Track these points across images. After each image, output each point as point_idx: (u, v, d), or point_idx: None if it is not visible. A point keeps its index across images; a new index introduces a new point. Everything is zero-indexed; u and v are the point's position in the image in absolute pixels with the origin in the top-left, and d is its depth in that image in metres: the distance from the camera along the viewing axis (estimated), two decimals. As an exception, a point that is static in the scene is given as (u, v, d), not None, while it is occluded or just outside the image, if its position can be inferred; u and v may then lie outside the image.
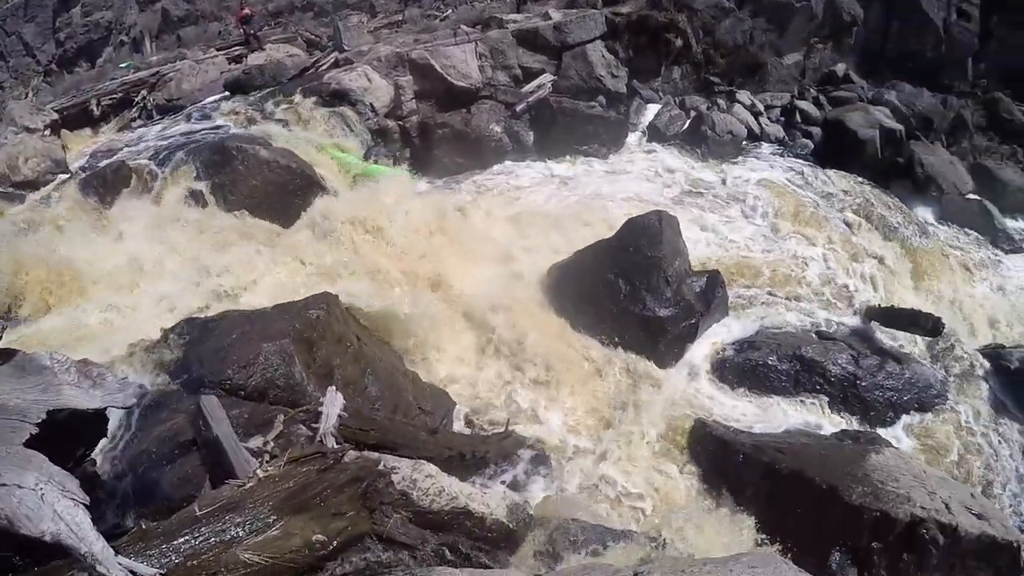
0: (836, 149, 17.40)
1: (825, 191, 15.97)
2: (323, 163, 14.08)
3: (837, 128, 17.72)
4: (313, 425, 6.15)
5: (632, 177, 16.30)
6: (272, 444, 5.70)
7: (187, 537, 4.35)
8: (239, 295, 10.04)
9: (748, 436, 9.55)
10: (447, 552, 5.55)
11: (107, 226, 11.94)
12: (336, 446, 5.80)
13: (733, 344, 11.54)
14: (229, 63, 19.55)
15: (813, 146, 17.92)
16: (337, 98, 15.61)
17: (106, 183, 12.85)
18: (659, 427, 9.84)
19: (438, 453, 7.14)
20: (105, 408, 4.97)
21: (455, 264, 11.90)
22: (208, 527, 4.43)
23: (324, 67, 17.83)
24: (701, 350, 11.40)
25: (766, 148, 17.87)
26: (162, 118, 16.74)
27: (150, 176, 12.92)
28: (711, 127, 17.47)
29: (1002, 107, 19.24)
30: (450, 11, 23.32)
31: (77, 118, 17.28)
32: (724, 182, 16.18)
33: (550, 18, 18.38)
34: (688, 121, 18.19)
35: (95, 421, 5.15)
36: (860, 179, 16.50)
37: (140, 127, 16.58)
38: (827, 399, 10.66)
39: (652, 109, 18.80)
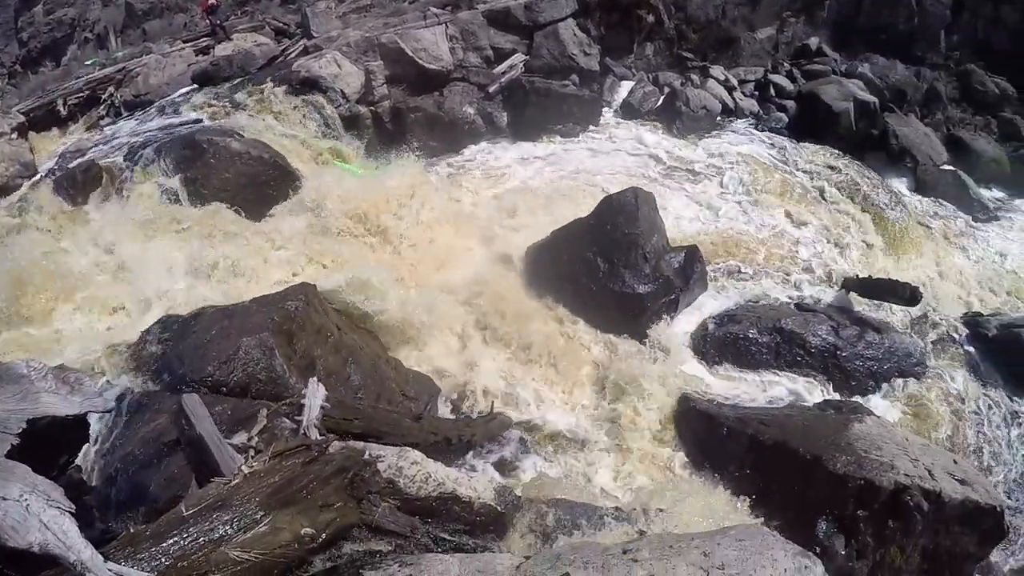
0: (811, 122, 17.50)
1: (801, 164, 16.07)
2: (295, 152, 13.94)
3: (811, 101, 17.81)
4: (296, 418, 6.13)
5: (608, 155, 16.29)
6: (256, 439, 5.65)
7: (176, 538, 4.32)
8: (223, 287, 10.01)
9: (731, 409, 9.65)
10: (437, 538, 5.57)
11: (79, 227, 11.76)
12: (320, 437, 5.78)
13: (713, 318, 11.62)
14: (196, 55, 19.22)
15: (788, 120, 17.98)
16: (307, 86, 15.41)
17: (76, 184, 12.64)
18: (642, 403, 9.89)
19: (424, 439, 7.13)
20: (85, 413, 4.93)
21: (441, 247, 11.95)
22: (196, 527, 4.41)
23: (293, 55, 17.59)
24: (682, 325, 11.48)
25: (741, 123, 17.94)
26: (130, 115, 16.46)
27: (121, 174, 12.74)
28: (685, 103, 17.50)
29: (975, 79, 19.39)
30: (419, -8, 23.10)
31: (44, 119, 16.94)
32: (700, 157, 16.23)
33: (521, -3, 18.23)
34: (662, 97, 18.22)
35: (76, 427, 5.10)
36: (835, 151, 16.60)
37: (109, 125, 16.28)
38: (808, 370, 10.78)
39: (626, 86, 18.80)
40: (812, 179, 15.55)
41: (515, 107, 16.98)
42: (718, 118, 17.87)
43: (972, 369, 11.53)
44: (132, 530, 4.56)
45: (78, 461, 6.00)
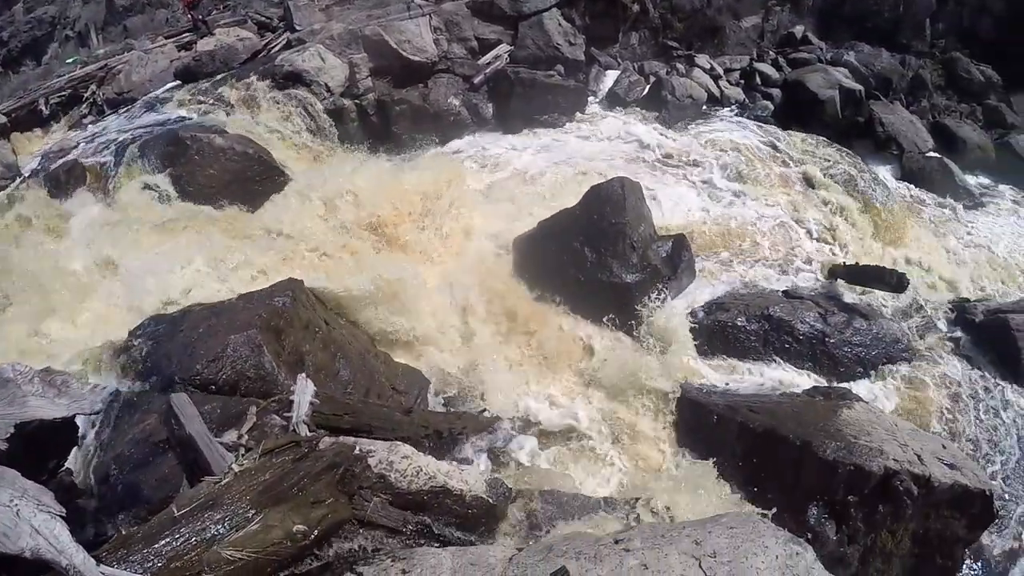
0: (796, 110, 17.54)
1: (787, 152, 16.07)
2: (280, 147, 13.87)
3: (797, 89, 17.85)
4: (286, 414, 6.13)
5: (595, 145, 16.27)
6: (246, 437, 5.67)
7: (168, 539, 4.33)
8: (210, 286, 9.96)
9: (721, 397, 9.68)
10: (429, 531, 5.58)
11: (64, 228, 11.68)
12: (310, 434, 5.78)
13: (702, 306, 11.63)
14: (179, 51, 19.00)
15: (773, 108, 18.01)
16: (291, 80, 15.35)
17: (60, 184, 12.57)
18: (631, 393, 9.91)
19: (414, 433, 7.13)
20: (73, 416, 4.90)
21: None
22: (188, 527, 4.41)
23: (276, 49, 17.48)
24: (670, 313, 11.45)
25: (726, 111, 17.95)
26: (113, 112, 16.32)
27: (104, 173, 12.65)
28: (671, 92, 17.50)
29: (960, 66, 19.49)
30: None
31: (26, 119, 16.74)
32: (688, 145, 16.18)
33: (505, -13, 18.14)
34: (648, 86, 18.19)
35: (65, 430, 5.07)
36: (821, 139, 16.63)
37: (91, 123, 16.13)
38: (797, 357, 10.82)
39: (611, 76, 18.73)
40: (799, 167, 15.56)
41: (500, 98, 16.92)
42: (704, 107, 17.89)
43: (959, 354, 11.59)
44: (124, 532, 4.56)
45: (68, 464, 5.97)
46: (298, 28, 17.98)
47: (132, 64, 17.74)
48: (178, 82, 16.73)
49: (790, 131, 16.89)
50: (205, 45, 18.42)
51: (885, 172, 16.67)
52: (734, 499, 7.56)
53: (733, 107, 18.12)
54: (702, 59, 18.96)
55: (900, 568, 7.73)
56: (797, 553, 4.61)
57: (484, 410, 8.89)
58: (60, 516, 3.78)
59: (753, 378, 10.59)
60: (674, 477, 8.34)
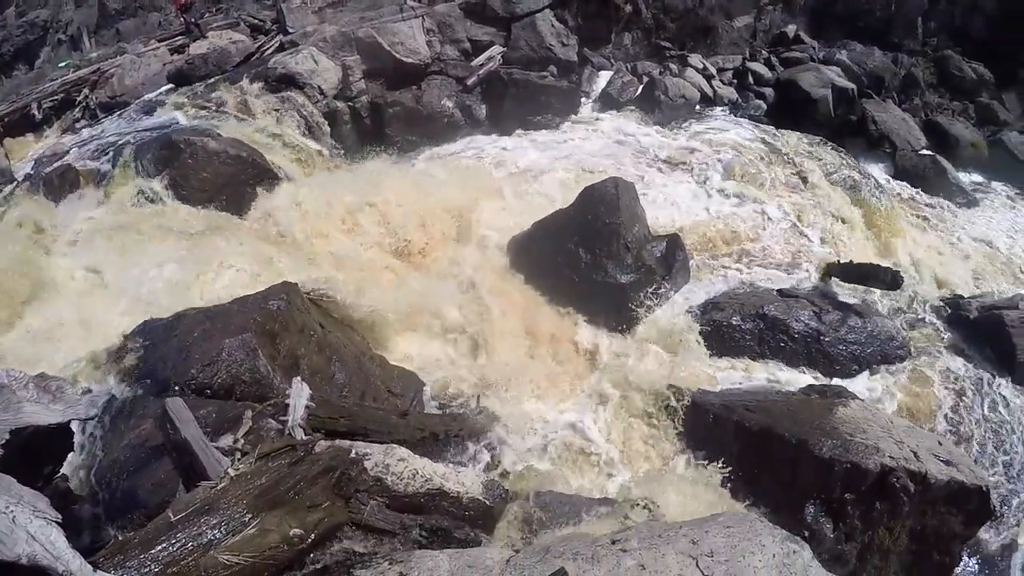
0: (789, 109, 17.62)
1: (781, 151, 16.10)
2: (274, 149, 13.86)
3: (790, 88, 17.93)
4: (282, 418, 6.12)
5: (587, 145, 16.26)
6: (242, 441, 5.65)
7: (164, 545, 4.31)
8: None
9: (716, 396, 9.66)
10: (426, 534, 5.58)
11: (57, 233, 11.63)
12: (306, 437, 5.77)
13: (697, 306, 11.64)
14: (171, 54, 19.01)
15: (766, 107, 18.10)
16: (284, 83, 15.34)
17: (53, 188, 12.53)
18: (629, 393, 9.91)
19: (410, 435, 7.13)
20: (68, 421, 4.88)
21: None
22: (184, 532, 4.40)
23: (269, 51, 17.51)
24: (665, 313, 11.48)
25: (719, 111, 18.04)
26: (106, 116, 16.29)
27: (97, 177, 12.62)
28: (664, 92, 17.55)
29: (952, 64, 19.60)
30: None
31: (19, 124, 16.75)
32: (682, 145, 16.22)
33: (497, -12, 18.17)
34: (641, 87, 18.26)
35: (60, 436, 5.05)
36: (815, 138, 16.69)
37: (84, 127, 16.13)
38: (792, 355, 10.83)
39: (604, 76, 18.79)
40: (792, 166, 15.59)
41: (494, 99, 16.96)
42: (697, 107, 17.95)
43: (954, 351, 11.62)
44: (120, 538, 4.54)
45: (64, 470, 5.94)
46: (291, 31, 18.00)
47: (125, 68, 17.74)
48: (171, 85, 16.73)
49: (783, 130, 16.92)
50: (198, 48, 18.42)
51: (878, 170, 16.74)
52: (731, 498, 7.57)
53: (726, 107, 18.20)
54: (695, 59, 19.03)
55: (898, 565, 7.74)
56: (794, 551, 4.62)
57: (480, 411, 8.88)
58: (56, 522, 3.76)
59: (748, 377, 10.59)
60: (671, 476, 8.35)
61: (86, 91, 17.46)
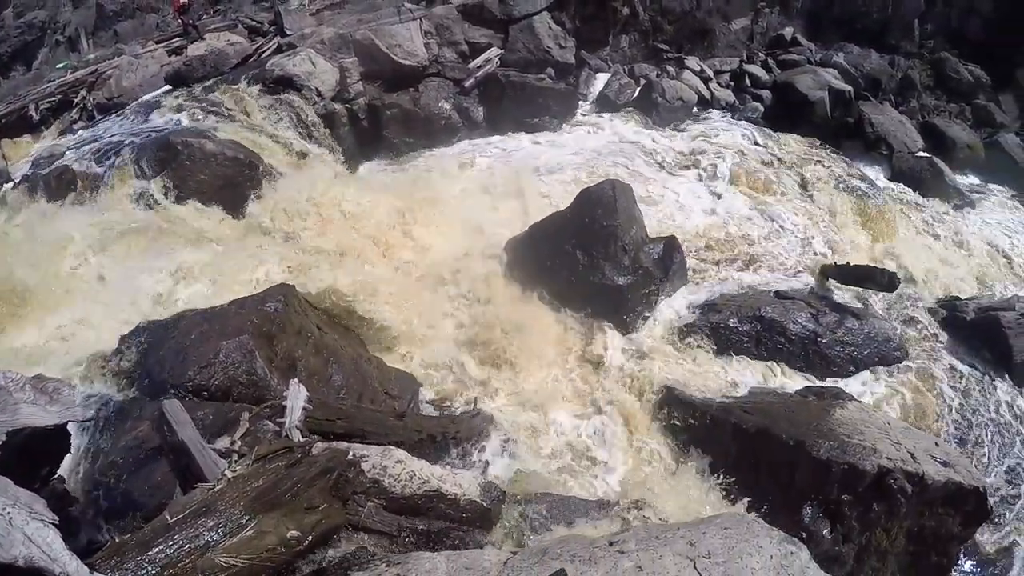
0: (786, 111, 17.64)
1: (779, 153, 16.15)
2: (271, 150, 13.86)
3: (787, 91, 17.95)
4: (279, 420, 6.11)
5: (584, 146, 16.27)
6: (239, 443, 5.63)
7: (161, 546, 4.30)
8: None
9: (714, 398, 9.68)
10: (423, 536, 5.57)
11: (55, 234, 11.60)
12: (303, 439, 5.76)
13: (695, 308, 11.66)
14: (169, 56, 18.97)
15: (763, 109, 18.10)
16: (282, 84, 15.31)
17: (51, 190, 12.51)
18: (626, 395, 9.93)
19: (407, 437, 7.13)
20: (65, 423, 4.87)
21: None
22: (181, 534, 4.38)
23: (267, 53, 17.48)
24: (662, 315, 11.50)
25: (716, 113, 18.05)
26: (104, 118, 16.26)
27: (95, 179, 12.59)
28: (661, 94, 17.56)
29: (949, 66, 19.63)
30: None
31: (16, 125, 16.71)
32: (680, 147, 16.25)
33: (494, -9, 18.18)
34: (638, 89, 18.29)
35: (57, 437, 5.04)
36: (812, 140, 16.75)
37: (82, 129, 16.08)
38: (789, 357, 10.85)
39: (602, 78, 18.83)
40: (790, 168, 15.64)
41: (491, 102, 16.97)
42: (694, 109, 17.97)
43: (951, 353, 11.65)
44: (117, 540, 4.52)
45: (60, 472, 5.94)
46: (288, 32, 17.98)
47: (122, 69, 17.71)
48: (169, 87, 16.67)
49: (780, 132, 16.98)
50: (196, 50, 18.39)
51: (875, 172, 16.76)
52: (729, 499, 7.58)
53: (724, 109, 18.21)
54: (692, 61, 19.05)
55: (895, 566, 7.77)
56: (792, 553, 4.62)
57: (477, 412, 8.87)
58: (53, 524, 3.76)
59: (746, 378, 10.60)
60: (669, 478, 8.35)
61: (84, 92, 17.42)
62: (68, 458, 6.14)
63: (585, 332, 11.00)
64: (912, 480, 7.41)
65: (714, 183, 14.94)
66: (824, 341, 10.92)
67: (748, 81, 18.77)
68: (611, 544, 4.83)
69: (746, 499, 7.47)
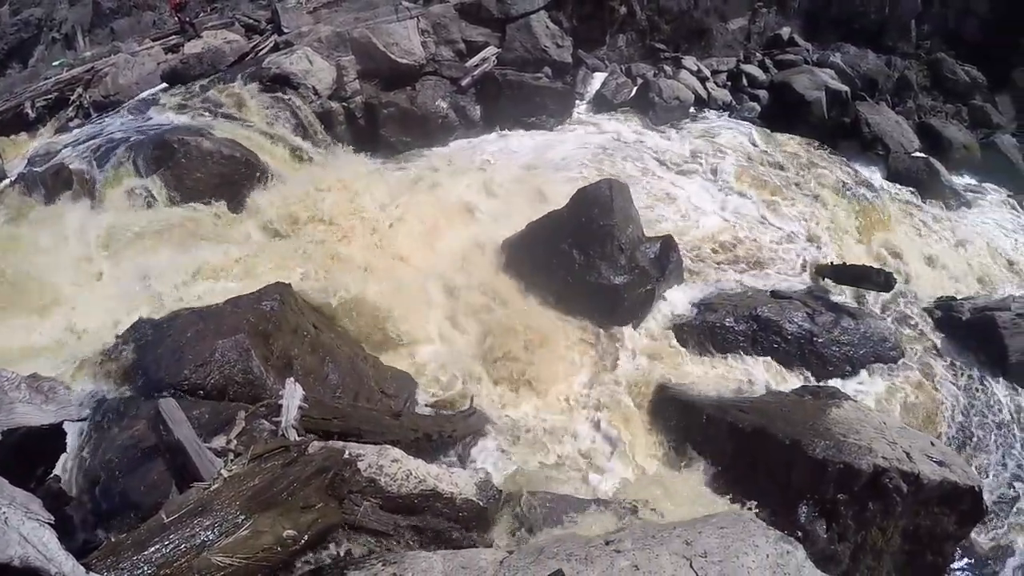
0: (783, 111, 17.68)
1: (775, 153, 16.18)
2: (268, 149, 13.84)
3: (783, 91, 17.98)
4: (275, 419, 6.10)
5: (581, 145, 16.28)
6: (235, 442, 5.64)
7: (157, 546, 4.29)
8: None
9: (710, 397, 9.70)
10: (420, 535, 5.57)
11: (50, 232, 11.57)
12: (299, 438, 5.75)
13: (690, 307, 11.67)
14: (166, 53, 18.91)
15: (760, 109, 18.14)
16: (279, 83, 15.28)
17: (47, 188, 12.46)
18: (622, 394, 9.94)
19: (404, 436, 7.14)
20: (61, 422, 4.85)
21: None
22: (177, 533, 4.37)
23: (264, 51, 17.42)
24: (659, 314, 11.52)
25: (713, 113, 18.08)
26: (100, 115, 16.21)
27: (91, 177, 12.54)
28: (658, 94, 17.56)
29: (945, 67, 19.71)
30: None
31: (12, 123, 16.63)
32: (676, 148, 16.27)
33: (492, -11, 18.15)
34: (635, 88, 18.27)
35: (52, 437, 5.02)
36: (809, 140, 16.79)
37: (78, 127, 16.02)
38: (785, 356, 10.87)
39: (599, 78, 18.81)
40: (786, 168, 15.66)
41: (488, 100, 16.99)
42: (691, 108, 17.98)
43: (947, 352, 11.69)
44: (113, 539, 4.51)
45: (56, 471, 5.91)
46: (286, 30, 17.94)
47: (119, 67, 17.63)
48: (165, 85, 16.63)
49: (777, 132, 17.02)
50: (192, 48, 18.33)
51: (872, 172, 16.81)
52: (724, 498, 7.57)
53: (720, 109, 18.24)
54: (689, 61, 19.07)
55: (891, 565, 7.78)
56: (788, 552, 4.63)
57: (473, 411, 8.88)
58: (49, 524, 3.73)
59: (742, 377, 10.61)
60: (665, 477, 8.35)
61: (80, 90, 17.34)
62: (64, 457, 6.11)
63: (582, 331, 11.01)
64: (908, 479, 7.42)
65: (716, 182, 14.96)
66: (820, 341, 10.95)
67: (745, 81, 18.80)
68: (607, 543, 4.84)
69: (742, 498, 7.47)
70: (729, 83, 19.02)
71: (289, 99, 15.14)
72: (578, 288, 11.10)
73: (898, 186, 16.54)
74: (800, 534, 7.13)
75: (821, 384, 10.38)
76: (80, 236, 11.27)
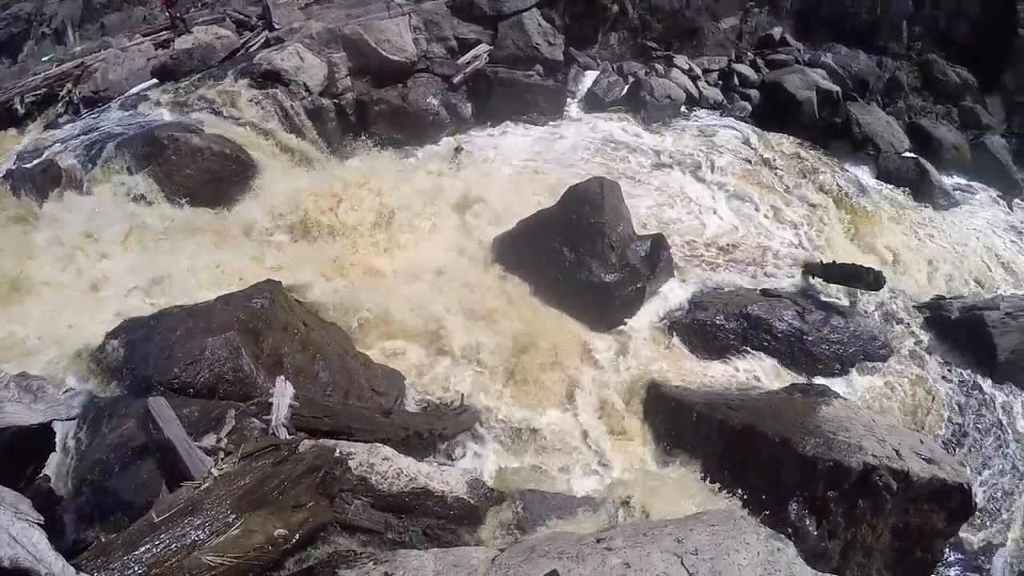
0: (774, 111, 17.71)
1: (766, 153, 16.21)
2: (258, 145, 13.79)
3: (775, 90, 18.01)
4: (265, 417, 6.09)
5: (574, 144, 16.28)
6: (226, 441, 5.61)
7: (147, 546, 4.28)
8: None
9: (700, 395, 9.72)
10: (411, 533, 5.57)
11: (38, 229, 11.49)
12: (290, 437, 5.74)
13: (681, 305, 11.69)
14: (156, 49, 18.77)
15: (751, 109, 18.17)
16: (269, 79, 15.21)
17: (35, 184, 12.36)
18: (612, 392, 9.94)
19: (394, 434, 7.12)
20: (50, 422, 4.83)
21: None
22: (167, 533, 4.37)
23: (255, 47, 17.33)
24: (649, 313, 11.53)
25: (705, 112, 18.09)
26: (89, 111, 16.10)
27: (80, 173, 12.46)
28: (649, 92, 17.56)
29: (936, 68, 19.77)
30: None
31: (1, 119, 16.51)
32: (668, 147, 16.29)
33: (484, -13, 18.12)
34: (626, 87, 18.27)
35: (42, 436, 5.00)
36: (799, 140, 16.84)
37: (67, 123, 15.91)
38: (775, 354, 10.90)
39: (590, 76, 18.79)
40: (777, 167, 15.70)
41: (479, 98, 16.97)
42: (682, 107, 17.99)
43: (935, 350, 11.75)
44: (103, 539, 4.49)
45: (46, 471, 5.88)
46: (277, 26, 17.86)
47: (109, 62, 17.51)
48: (155, 81, 16.54)
49: (768, 132, 17.04)
50: (183, 43, 18.20)
51: (862, 172, 16.88)
52: (715, 496, 7.59)
53: (711, 108, 18.24)
54: (681, 60, 19.08)
55: (881, 562, 7.83)
56: (778, 549, 4.65)
57: (464, 409, 8.87)
58: (38, 524, 3.73)
59: (732, 375, 10.64)
60: (656, 475, 8.37)
61: (69, 86, 17.20)
62: (53, 456, 6.08)
63: (572, 329, 11.00)
64: (897, 477, 7.46)
65: (709, 181, 14.98)
66: (810, 339, 10.99)
67: (736, 80, 18.82)
68: (599, 541, 4.85)
69: (733, 496, 7.50)
70: (720, 82, 19.04)
71: (280, 96, 15.08)
72: (568, 286, 11.11)
73: (888, 186, 16.63)
74: (790, 531, 7.14)
75: (811, 382, 10.40)
76: (68, 232, 11.20)
